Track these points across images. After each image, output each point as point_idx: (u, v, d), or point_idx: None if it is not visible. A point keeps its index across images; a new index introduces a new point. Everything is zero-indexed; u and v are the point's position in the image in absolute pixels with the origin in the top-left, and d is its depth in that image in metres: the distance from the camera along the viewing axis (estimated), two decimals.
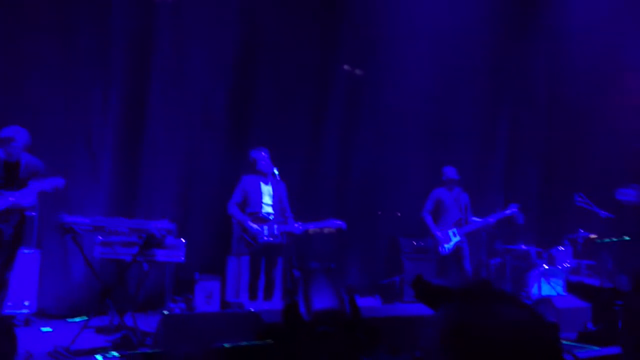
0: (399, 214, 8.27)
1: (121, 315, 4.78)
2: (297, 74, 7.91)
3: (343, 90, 8.34)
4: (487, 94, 9.45)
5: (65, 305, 6.10)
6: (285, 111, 7.86)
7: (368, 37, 8.43)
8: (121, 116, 6.65)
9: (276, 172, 5.76)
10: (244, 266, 6.09)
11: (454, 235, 6.89)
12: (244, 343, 3.45)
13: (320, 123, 8.21)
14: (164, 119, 6.98)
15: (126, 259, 4.96)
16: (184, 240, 5.49)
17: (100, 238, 5.10)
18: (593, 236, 7.64)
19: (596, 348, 4.67)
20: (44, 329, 5.38)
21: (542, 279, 7.20)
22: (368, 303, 7.34)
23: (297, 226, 5.67)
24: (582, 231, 7.70)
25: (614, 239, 7.27)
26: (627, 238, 7.10)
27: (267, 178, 5.87)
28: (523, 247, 7.64)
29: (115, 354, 4.22)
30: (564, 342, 4.91)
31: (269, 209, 5.81)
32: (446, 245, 6.86)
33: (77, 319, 5.75)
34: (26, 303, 5.56)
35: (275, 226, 5.70)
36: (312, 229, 5.76)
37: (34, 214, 5.65)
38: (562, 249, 7.72)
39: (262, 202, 5.81)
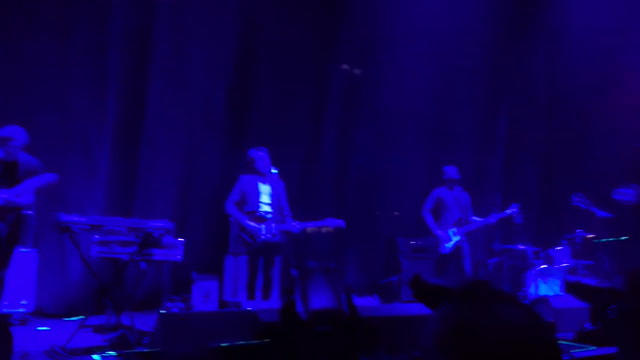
0: (397, 214, 8.27)
1: (118, 314, 4.77)
2: (296, 73, 7.91)
3: (342, 90, 8.34)
4: (486, 94, 9.45)
5: (63, 304, 6.09)
6: (285, 111, 7.85)
7: (367, 36, 8.43)
8: (120, 115, 6.64)
9: (274, 171, 5.76)
10: (242, 265, 6.08)
11: (455, 234, 6.90)
12: (241, 342, 3.45)
13: (319, 123, 8.21)
14: (163, 119, 6.97)
15: (124, 258, 4.95)
16: (181, 240, 5.48)
17: (98, 237, 5.08)
18: (591, 236, 7.65)
19: (594, 348, 4.67)
20: (41, 328, 5.36)
21: (540, 279, 7.19)
22: (366, 303, 7.35)
23: (295, 225, 5.67)
24: (580, 231, 7.70)
25: (612, 239, 7.28)
26: (625, 238, 7.11)
27: (265, 177, 5.86)
28: (521, 246, 7.64)
29: (112, 353, 4.21)
30: (562, 342, 4.91)
31: (267, 208, 5.80)
32: (447, 245, 6.86)
33: (74, 318, 5.73)
34: (23, 302, 5.55)
35: (273, 225, 5.70)
36: (310, 228, 5.76)
37: (31, 212, 5.63)
38: (560, 248, 7.72)
39: (259, 202, 5.80)
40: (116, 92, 6.59)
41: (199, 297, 6.22)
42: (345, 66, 8.44)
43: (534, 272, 7.28)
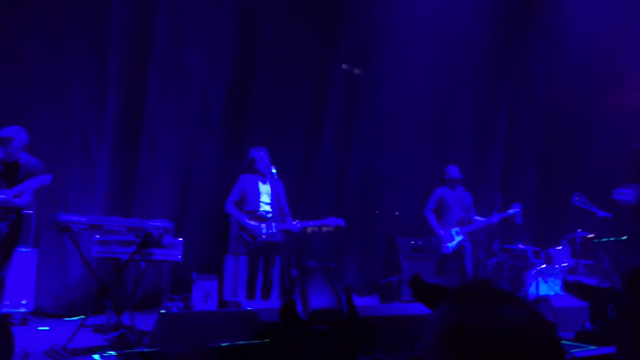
0: (397, 213, 8.27)
1: (118, 314, 4.77)
2: (295, 73, 7.91)
3: (341, 90, 8.34)
4: (486, 93, 9.46)
5: (63, 304, 6.09)
6: (284, 110, 7.85)
7: (367, 36, 8.42)
8: (120, 115, 6.65)
9: (274, 171, 5.76)
10: (242, 265, 6.09)
11: (457, 234, 6.90)
12: (241, 342, 3.45)
13: (319, 122, 8.21)
14: (163, 119, 6.98)
15: (123, 257, 4.95)
16: (181, 239, 5.48)
17: (98, 237, 5.08)
18: (591, 236, 7.65)
19: (594, 347, 4.67)
20: (41, 328, 5.37)
21: (540, 279, 7.19)
22: (366, 302, 7.34)
23: (295, 224, 5.67)
24: (580, 231, 7.71)
25: (612, 239, 7.28)
26: (624, 238, 7.11)
27: (266, 177, 5.86)
28: (521, 246, 7.64)
29: (112, 353, 4.21)
30: (562, 342, 4.90)
31: (267, 208, 5.80)
32: (449, 244, 6.87)
33: (75, 318, 5.74)
34: (23, 302, 5.55)
35: (274, 224, 5.70)
36: (310, 227, 5.76)
37: (31, 212, 5.64)
38: (560, 248, 7.72)
39: (260, 201, 5.80)
40: (116, 92, 6.59)
41: (199, 296, 6.22)
42: (345, 66, 8.44)
43: (534, 271, 7.28)
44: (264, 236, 5.64)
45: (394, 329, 4.15)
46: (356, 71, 8.53)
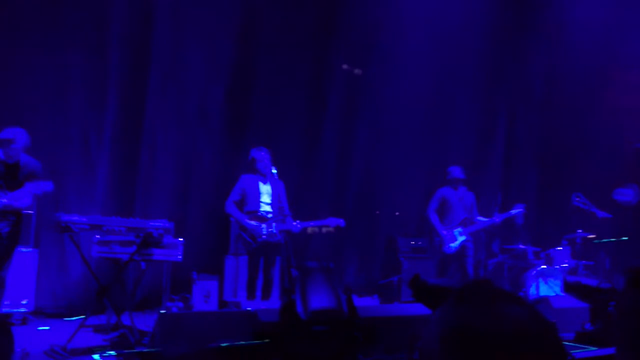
0: (397, 213, 8.27)
1: (118, 314, 4.77)
2: (295, 73, 7.91)
3: (341, 90, 8.34)
4: (485, 93, 9.45)
5: (63, 304, 6.09)
6: (284, 110, 7.85)
7: (367, 36, 8.42)
8: (119, 115, 6.65)
9: (274, 171, 5.76)
10: (242, 265, 6.08)
11: (460, 234, 6.90)
12: (241, 342, 3.45)
13: (319, 122, 8.21)
14: (162, 119, 6.98)
15: (123, 258, 4.95)
16: (181, 240, 5.48)
17: (98, 237, 5.09)
18: (591, 236, 7.65)
19: (594, 348, 4.66)
20: (41, 328, 5.37)
21: (540, 279, 7.19)
22: (366, 303, 7.34)
23: (295, 225, 5.66)
24: (580, 231, 7.70)
25: (612, 239, 7.27)
26: (625, 238, 7.10)
27: (266, 177, 5.86)
28: (521, 247, 7.64)
29: (112, 353, 4.21)
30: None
31: (267, 208, 5.80)
32: (452, 245, 6.87)
33: (75, 318, 5.73)
34: (24, 302, 5.55)
35: (274, 224, 5.70)
36: (310, 227, 5.76)
37: (31, 212, 5.64)
38: (560, 249, 7.72)
39: (260, 201, 5.80)
40: (116, 93, 6.59)
41: (199, 297, 6.22)
42: (345, 66, 8.43)
43: (534, 272, 7.28)
44: (264, 236, 5.64)
45: (394, 330, 4.14)
46: (356, 71, 8.53)
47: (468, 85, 9.23)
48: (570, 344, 4.91)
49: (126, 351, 4.18)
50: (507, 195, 8.21)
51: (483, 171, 9.19)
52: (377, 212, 8.42)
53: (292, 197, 6.10)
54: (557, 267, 7.49)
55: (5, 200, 4.63)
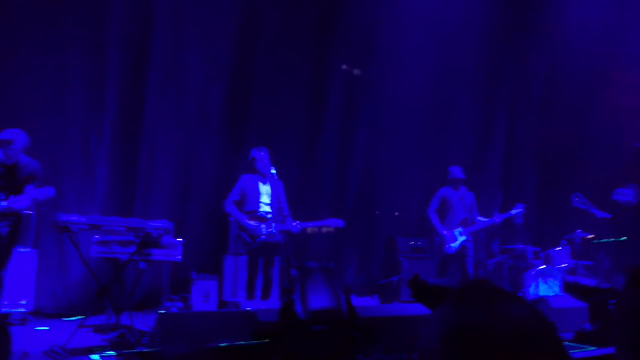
0: (397, 214, 8.27)
1: (118, 314, 4.77)
2: (295, 73, 7.91)
3: (341, 90, 8.34)
4: (485, 93, 9.46)
5: (62, 304, 6.09)
6: (283, 110, 7.85)
7: (366, 36, 8.42)
8: (118, 115, 6.64)
9: (274, 171, 5.76)
10: (241, 265, 6.08)
11: (460, 234, 6.91)
12: (240, 342, 3.45)
13: (319, 122, 8.21)
14: (162, 119, 6.98)
15: (123, 258, 4.95)
16: (180, 240, 5.48)
17: (97, 237, 5.09)
18: (590, 236, 7.65)
19: (593, 348, 4.66)
20: (40, 328, 5.36)
21: (539, 279, 7.19)
22: (366, 303, 7.34)
23: (295, 225, 5.66)
24: (579, 231, 7.71)
25: (611, 239, 7.27)
26: (624, 238, 7.10)
27: (265, 177, 5.86)
28: (520, 246, 7.64)
29: (111, 353, 4.21)
30: None
31: (267, 208, 5.80)
32: (452, 245, 6.87)
33: (74, 318, 5.73)
34: (23, 302, 5.54)
35: (273, 225, 5.70)
36: (310, 227, 5.76)
37: (31, 212, 5.63)
38: (560, 249, 7.72)
39: (259, 202, 5.80)
40: (115, 92, 6.59)
41: (198, 297, 6.22)
42: (345, 66, 8.43)
43: (533, 272, 7.28)
44: (263, 237, 5.64)
45: (394, 330, 4.14)
46: (356, 71, 8.53)
47: (468, 85, 9.23)
48: (569, 343, 4.91)
49: (125, 351, 4.18)
50: (507, 195, 8.21)
51: (483, 171, 9.19)
52: (377, 212, 8.42)
53: (292, 197, 6.10)
54: (557, 267, 7.49)
55: (5, 204, 4.63)
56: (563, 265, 7.58)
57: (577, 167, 9.01)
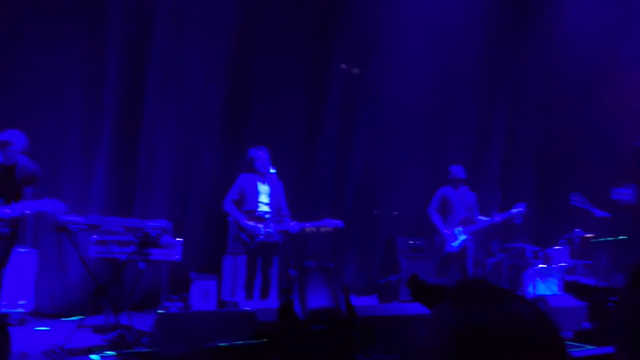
0: (396, 213, 8.27)
1: (117, 314, 4.76)
2: (294, 73, 7.91)
3: (341, 90, 8.34)
4: (484, 93, 9.46)
5: (61, 304, 6.09)
6: (283, 110, 7.85)
7: (366, 36, 8.42)
8: (117, 115, 6.64)
9: (273, 171, 5.75)
10: (240, 265, 6.08)
11: (461, 233, 6.91)
12: (239, 342, 3.44)
13: (317, 122, 8.21)
14: (161, 119, 6.98)
15: (122, 258, 4.95)
16: (179, 239, 5.48)
17: (96, 237, 5.08)
18: (589, 236, 7.65)
19: (592, 347, 4.66)
20: (39, 328, 5.36)
21: (538, 278, 7.19)
22: (365, 302, 7.34)
23: (294, 225, 5.66)
24: (578, 231, 7.70)
25: (610, 239, 7.27)
26: (623, 237, 7.10)
27: (264, 177, 5.86)
28: (519, 246, 7.64)
29: (111, 353, 4.21)
30: None
31: (266, 208, 5.80)
32: (453, 244, 6.88)
33: (73, 318, 5.72)
34: (22, 302, 5.54)
35: (272, 225, 5.70)
36: (308, 228, 5.75)
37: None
38: (559, 248, 7.72)
39: (258, 201, 5.80)
40: (114, 92, 6.59)
41: (197, 296, 6.22)
42: (344, 66, 8.43)
43: (532, 271, 7.28)
44: (262, 237, 5.64)
45: (393, 329, 4.14)
46: (355, 71, 8.53)
47: (468, 85, 9.23)
48: (569, 342, 4.91)
49: (125, 351, 4.18)
50: (506, 195, 8.21)
51: (483, 171, 9.19)
52: (376, 212, 8.42)
53: (291, 197, 6.10)
54: (556, 266, 7.50)
55: (9, 212, 4.59)
56: (562, 264, 7.58)
57: (576, 167, 9.01)
